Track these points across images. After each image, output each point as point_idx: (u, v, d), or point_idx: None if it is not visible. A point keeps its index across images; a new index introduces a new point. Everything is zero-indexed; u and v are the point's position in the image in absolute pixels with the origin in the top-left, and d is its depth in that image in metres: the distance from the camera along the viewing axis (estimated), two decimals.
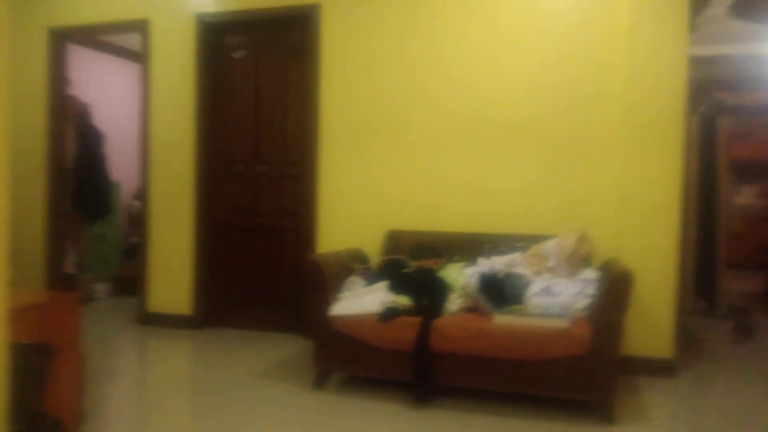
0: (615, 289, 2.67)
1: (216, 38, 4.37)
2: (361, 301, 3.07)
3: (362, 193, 3.99)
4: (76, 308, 2.53)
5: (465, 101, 3.77)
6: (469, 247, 3.55)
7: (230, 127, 4.40)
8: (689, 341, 4.11)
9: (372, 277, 3.37)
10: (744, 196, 7.83)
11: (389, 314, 2.95)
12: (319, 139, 4.07)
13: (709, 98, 5.35)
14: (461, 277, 3.19)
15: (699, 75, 4.68)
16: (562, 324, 2.72)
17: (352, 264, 3.40)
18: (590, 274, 3.08)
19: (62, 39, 4.76)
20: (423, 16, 3.84)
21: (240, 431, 2.62)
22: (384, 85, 3.93)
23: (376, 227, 3.89)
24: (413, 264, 3.40)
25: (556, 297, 2.92)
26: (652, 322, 3.37)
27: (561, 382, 2.72)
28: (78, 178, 5.20)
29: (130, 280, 5.39)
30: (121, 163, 5.90)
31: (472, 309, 3.03)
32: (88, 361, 2.69)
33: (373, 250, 3.79)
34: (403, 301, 3.03)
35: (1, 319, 1.64)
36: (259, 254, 4.35)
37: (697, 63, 4.04)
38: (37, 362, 2.01)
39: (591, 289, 2.93)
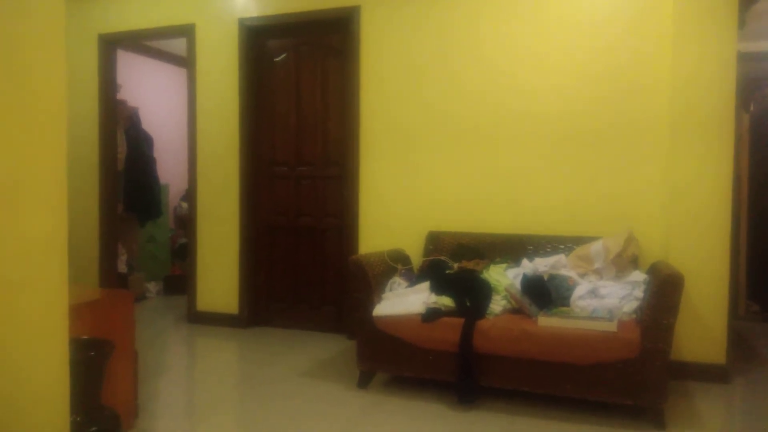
0: (665, 291, 2.60)
1: (258, 42, 4.46)
2: (404, 301, 3.08)
3: (403, 193, 4.00)
4: (130, 306, 2.62)
5: (505, 98, 3.74)
6: (511, 248, 3.52)
7: (273, 130, 4.48)
8: (742, 346, 3.97)
9: (414, 277, 3.38)
10: None
11: (432, 315, 2.95)
12: (359, 140, 4.10)
13: (761, 96, 5.15)
14: (504, 278, 3.16)
15: (749, 72, 4.50)
16: (609, 327, 2.66)
17: (394, 264, 3.42)
18: (638, 276, 3.01)
19: (112, 45, 4.93)
20: (463, 13, 3.82)
21: (286, 426, 2.67)
22: (424, 85, 3.93)
23: (417, 228, 3.89)
24: (455, 265, 3.39)
25: (603, 299, 2.86)
26: (704, 326, 3.27)
27: (610, 386, 2.66)
28: (129, 181, 5.38)
29: (179, 279, 5.56)
30: (168, 165, 6.07)
31: (516, 311, 3.00)
32: (141, 357, 2.77)
33: (414, 250, 3.79)
34: (446, 302, 3.02)
35: (61, 315, 1.71)
36: (303, 254, 4.41)
37: (746, 59, 3.89)
38: (94, 357, 2.09)
39: (639, 292, 2.87)
